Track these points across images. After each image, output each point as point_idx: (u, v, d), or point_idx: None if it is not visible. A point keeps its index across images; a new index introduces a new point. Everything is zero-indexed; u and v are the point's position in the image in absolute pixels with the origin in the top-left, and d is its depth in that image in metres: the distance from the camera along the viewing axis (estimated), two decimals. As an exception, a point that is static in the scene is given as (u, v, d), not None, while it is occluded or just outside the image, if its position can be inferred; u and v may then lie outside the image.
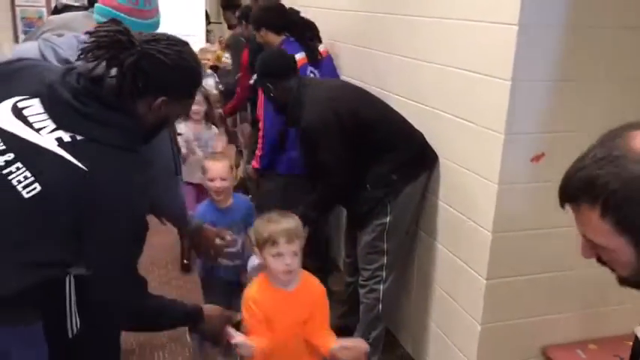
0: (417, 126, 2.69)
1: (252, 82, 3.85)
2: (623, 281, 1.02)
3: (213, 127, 3.89)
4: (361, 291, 2.76)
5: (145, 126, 1.54)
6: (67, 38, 1.90)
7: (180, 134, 2.73)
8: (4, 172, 1.36)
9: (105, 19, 1.63)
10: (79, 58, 1.51)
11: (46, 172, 1.36)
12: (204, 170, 2.66)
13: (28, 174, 1.35)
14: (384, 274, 2.68)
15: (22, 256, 1.36)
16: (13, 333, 1.38)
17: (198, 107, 3.71)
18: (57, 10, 3.35)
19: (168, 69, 1.47)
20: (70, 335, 2.08)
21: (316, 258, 3.65)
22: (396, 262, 2.73)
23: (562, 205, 0.99)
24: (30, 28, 6.08)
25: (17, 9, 6.53)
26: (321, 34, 3.66)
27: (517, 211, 2.27)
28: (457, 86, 2.42)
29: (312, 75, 3.33)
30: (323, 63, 3.42)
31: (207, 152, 3.61)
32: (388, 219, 2.61)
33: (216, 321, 1.92)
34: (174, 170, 2.13)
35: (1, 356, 1.37)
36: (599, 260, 1.02)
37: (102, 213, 1.38)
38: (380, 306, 2.71)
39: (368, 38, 3.25)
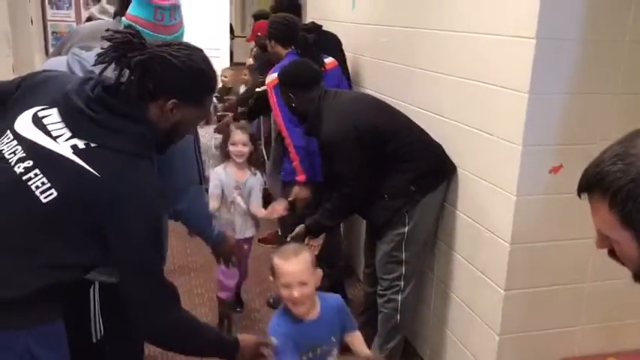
0: (436, 137, 2.72)
1: (259, 89, 3.85)
2: (637, 277, 1.06)
3: (258, 173, 3.33)
4: (379, 301, 2.78)
5: (159, 132, 1.55)
6: (94, 52, 1.97)
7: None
8: (24, 178, 1.42)
9: None
10: (95, 63, 1.54)
11: (61, 178, 1.42)
12: (274, 272, 1.95)
13: (45, 180, 1.42)
14: (402, 284, 2.70)
15: (38, 258, 1.42)
16: (33, 334, 1.43)
17: (241, 148, 3.15)
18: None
19: (178, 70, 1.49)
20: (94, 340, 2.15)
21: (328, 265, 3.71)
22: (415, 273, 2.75)
23: (579, 194, 1.05)
24: (60, 42, 6.24)
25: (48, 23, 6.73)
26: (344, 47, 3.72)
27: (535, 223, 2.28)
28: (476, 98, 2.44)
29: None
30: (326, 74, 3.34)
31: (251, 204, 3.20)
32: (406, 229, 2.63)
33: (250, 350, 1.79)
34: (199, 180, 2.18)
35: (23, 358, 1.41)
36: (611, 254, 1.07)
37: (116, 217, 1.42)
38: (398, 316, 2.73)
39: (389, 51, 3.29)
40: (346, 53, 3.74)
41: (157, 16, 1.95)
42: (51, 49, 6.55)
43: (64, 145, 1.44)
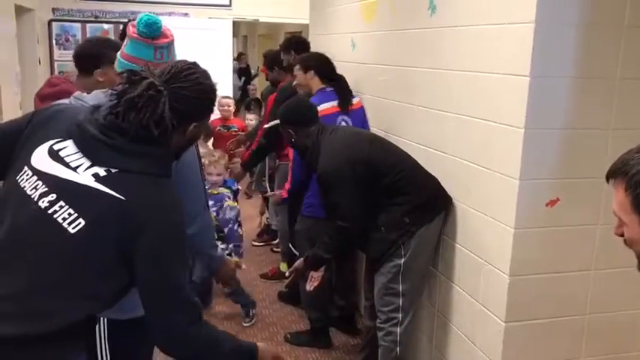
0: (435, 172, 2.77)
1: (267, 126, 3.90)
2: None
3: None
4: (379, 334, 2.79)
5: (178, 148, 1.63)
6: (94, 94, 1.99)
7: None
8: (50, 211, 1.44)
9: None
10: (110, 114, 1.53)
11: (88, 207, 1.45)
12: None
13: (71, 211, 1.43)
14: (400, 316, 2.71)
15: (72, 290, 1.44)
16: None
17: None
18: None
19: (195, 99, 1.56)
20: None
21: (342, 297, 3.73)
22: (413, 304, 2.77)
23: (607, 180, 1.16)
24: (67, 81, 6.37)
25: (55, 63, 6.88)
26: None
27: (534, 255, 2.31)
28: (474, 134, 2.51)
29: (343, 123, 3.46)
30: (354, 113, 3.56)
31: None
32: (402, 261, 2.67)
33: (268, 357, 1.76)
34: (205, 205, 2.19)
35: None
36: (626, 242, 1.16)
37: (146, 237, 1.45)
38: (398, 349, 2.73)
39: (389, 89, 3.38)
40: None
41: (156, 56, 1.94)
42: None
43: (85, 174, 1.47)
